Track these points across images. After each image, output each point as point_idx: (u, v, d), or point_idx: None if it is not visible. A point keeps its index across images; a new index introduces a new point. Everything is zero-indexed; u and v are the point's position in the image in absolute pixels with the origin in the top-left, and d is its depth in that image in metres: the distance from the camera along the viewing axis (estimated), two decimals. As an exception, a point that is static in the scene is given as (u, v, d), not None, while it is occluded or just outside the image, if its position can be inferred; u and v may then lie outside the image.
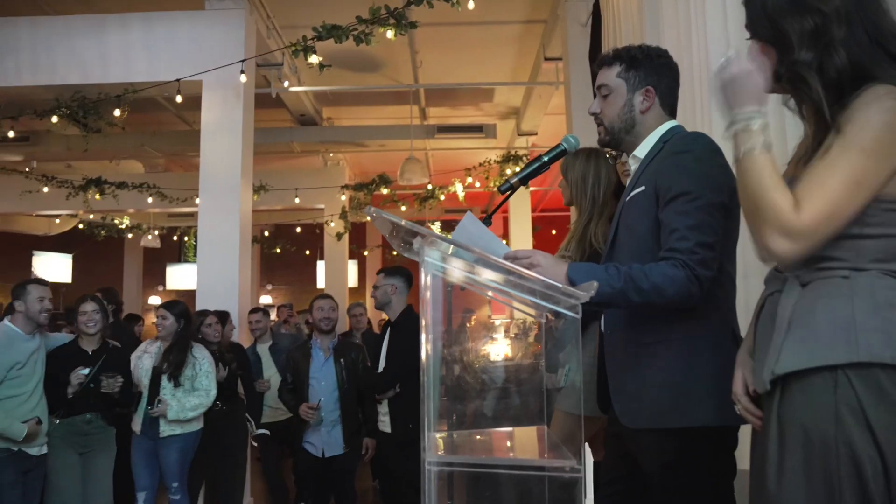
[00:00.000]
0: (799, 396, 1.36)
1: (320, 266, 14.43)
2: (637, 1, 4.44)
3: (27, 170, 9.42)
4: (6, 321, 4.05)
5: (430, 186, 10.43)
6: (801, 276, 1.44)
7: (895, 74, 1.38)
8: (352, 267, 14.78)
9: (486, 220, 2.01)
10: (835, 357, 1.33)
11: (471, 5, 5.05)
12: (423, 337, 1.55)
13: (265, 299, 16.64)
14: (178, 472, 4.51)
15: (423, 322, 1.56)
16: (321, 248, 12.93)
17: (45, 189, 9.24)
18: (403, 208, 11.11)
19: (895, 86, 1.35)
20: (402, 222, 1.57)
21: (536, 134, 10.08)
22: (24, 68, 6.09)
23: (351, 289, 12.10)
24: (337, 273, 11.53)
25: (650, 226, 1.87)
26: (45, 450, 3.96)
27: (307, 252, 15.68)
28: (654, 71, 2.03)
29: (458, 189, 10.35)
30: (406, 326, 4.51)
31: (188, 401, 4.42)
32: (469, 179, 10.26)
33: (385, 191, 10.27)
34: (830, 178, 1.32)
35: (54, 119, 6.10)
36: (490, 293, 1.62)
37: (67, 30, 6.14)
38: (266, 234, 14.55)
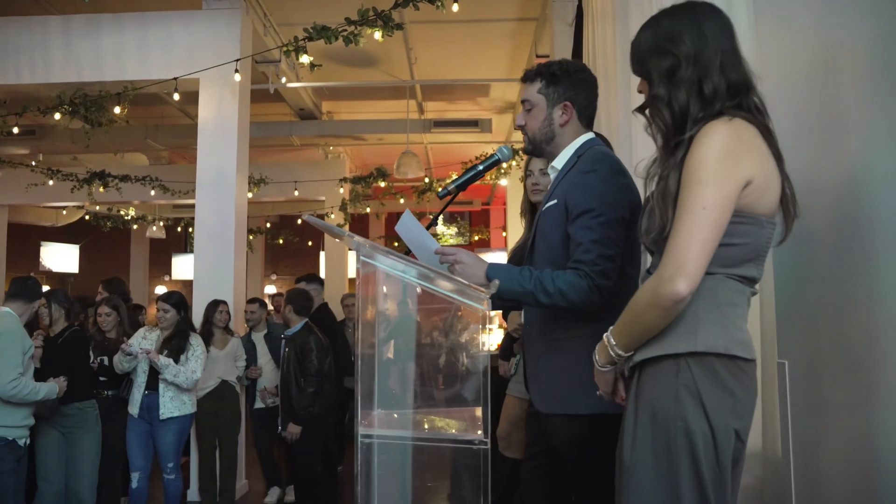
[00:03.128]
0: (650, 379, 1.61)
1: (323, 256, 14.67)
2: (611, 5, 4.61)
3: (33, 163, 9.66)
4: (6, 308, 4.08)
5: (427, 179, 10.63)
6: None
7: (732, 105, 1.58)
8: (352, 257, 15.00)
9: (433, 222, 2.23)
10: (678, 346, 1.56)
11: (455, 8, 5.22)
12: (358, 325, 1.75)
13: (270, 289, 16.89)
14: (173, 453, 4.78)
15: (357, 312, 1.76)
16: (323, 239, 13.16)
17: (51, 182, 9.50)
18: (402, 200, 11.33)
19: (729, 117, 1.55)
20: (336, 228, 1.77)
21: (532, 128, 10.21)
22: (25, 67, 6.33)
23: (351, 279, 12.32)
24: (337, 264, 11.76)
25: (562, 237, 2.09)
26: (28, 441, 4.07)
27: (310, 243, 15.92)
28: (573, 86, 2.21)
29: (456, 182, 10.54)
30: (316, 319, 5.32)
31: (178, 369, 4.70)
32: (466, 172, 10.44)
33: (383, 184, 10.46)
34: (680, 222, 1.52)
35: (57, 116, 6.33)
36: (418, 288, 1.81)
37: (67, 29, 6.36)
38: (268, 225, 14.77)
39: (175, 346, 4.78)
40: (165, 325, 4.87)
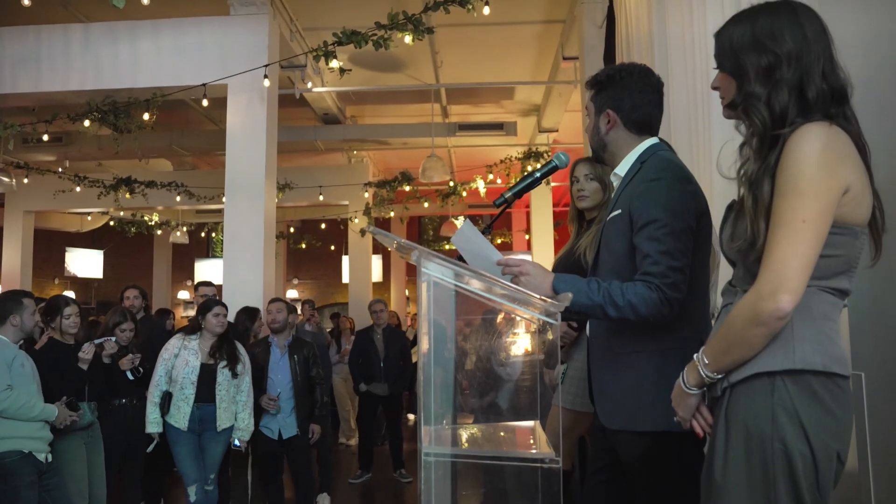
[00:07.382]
0: (743, 398, 1.52)
1: (345, 261, 14.67)
2: (647, 4, 4.54)
3: (60, 170, 9.74)
4: None
5: (451, 183, 10.58)
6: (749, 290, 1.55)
7: (832, 113, 1.50)
8: (376, 262, 15.01)
9: (486, 231, 2.16)
10: (773, 364, 1.48)
11: (486, 10, 5.17)
12: (421, 338, 1.70)
13: (291, 293, 16.91)
14: (218, 465, 4.72)
15: (421, 324, 1.71)
16: (346, 244, 13.14)
17: (78, 189, 9.57)
18: (426, 205, 11.29)
19: (828, 122, 1.47)
20: (401, 240, 1.72)
21: (557, 131, 10.16)
22: (54, 74, 6.36)
23: (375, 283, 12.29)
24: (361, 268, 11.72)
25: (627, 247, 2.02)
26: (50, 457, 3.90)
27: (332, 248, 15.94)
28: (617, 92, 2.13)
29: (480, 185, 10.50)
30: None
31: (241, 418, 4.73)
32: (490, 176, 10.40)
33: (407, 188, 10.43)
34: (777, 234, 1.44)
35: (87, 123, 6.34)
36: (480, 297, 1.76)
37: (94, 36, 6.38)
38: (291, 230, 14.79)
39: (228, 352, 4.69)
40: (220, 330, 4.74)
